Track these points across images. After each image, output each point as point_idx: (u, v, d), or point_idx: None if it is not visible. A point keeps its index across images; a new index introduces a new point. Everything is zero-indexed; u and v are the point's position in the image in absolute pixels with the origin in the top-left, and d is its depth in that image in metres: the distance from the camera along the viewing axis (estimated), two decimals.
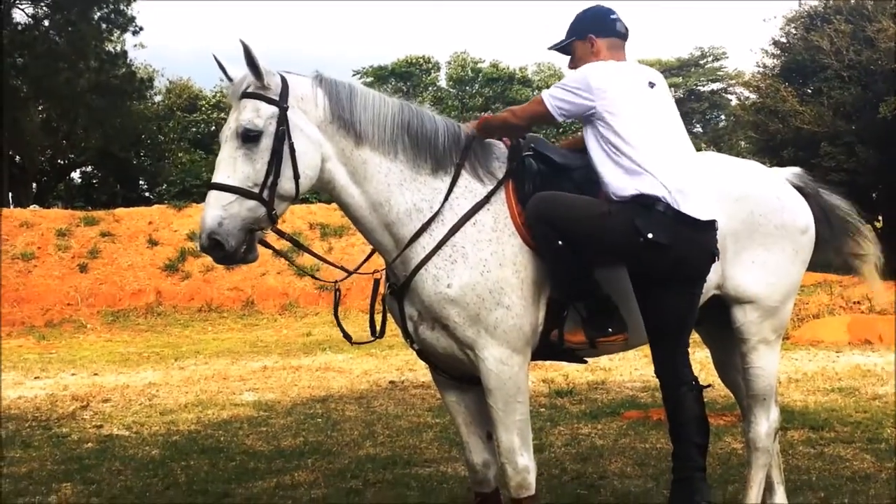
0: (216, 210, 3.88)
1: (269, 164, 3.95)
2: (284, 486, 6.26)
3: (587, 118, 4.15)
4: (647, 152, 4.05)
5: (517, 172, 4.34)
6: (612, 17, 4.45)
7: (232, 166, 3.95)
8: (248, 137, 3.95)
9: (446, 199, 4.23)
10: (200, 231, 3.91)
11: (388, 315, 4.51)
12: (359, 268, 4.53)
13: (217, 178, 3.95)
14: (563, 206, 4.11)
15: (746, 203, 4.64)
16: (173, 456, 7.22)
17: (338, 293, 4.50)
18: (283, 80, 4.08)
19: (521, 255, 4.19)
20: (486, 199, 4.25)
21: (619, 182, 4.05)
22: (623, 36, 4.45)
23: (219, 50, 4.27)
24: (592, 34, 4.40)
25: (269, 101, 4.01)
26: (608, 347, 4.41)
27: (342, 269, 4.55)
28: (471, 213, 4.21)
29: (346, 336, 4.54)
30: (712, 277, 4.48)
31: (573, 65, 4.46)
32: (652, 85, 4.27)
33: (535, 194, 4.19)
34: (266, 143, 3.96)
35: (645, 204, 4.00)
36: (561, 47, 4.53)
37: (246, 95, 4.02)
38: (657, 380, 4.32)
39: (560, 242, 4.05)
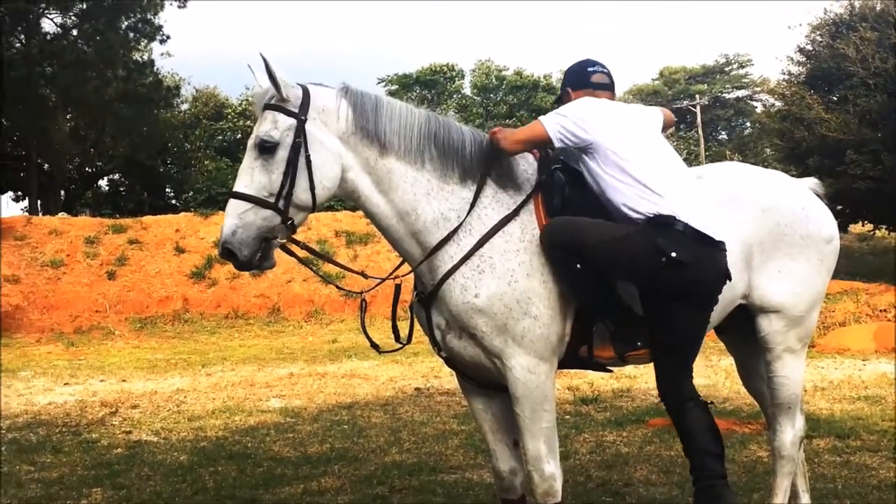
0: (232, 219, 3.98)
1: (284, 175, 4.02)
2: (311, 492, 6.32)
3: (585, 149, 4.21)
4: (655, 177, 4.10)
5: (546, 185, 4.38)
6: (590, 69, 4.60)
7: (249, 176, 4.04)
8: (265, 149, 4.03)
9: (472, 208, 4.28)
10: (220, 239, 4.04)
11: (415, 322, 4.56)
12: (389, 276, 4.57)
13: (235, 187, 4.05)
14: (579, 230, 4.13)
15: (773, 213, 4.68)
16: (201, 462, 7.29)
17: (364, 303, 4.57)
18: (305, 92, 4.14)
19: (549, 265, 4.22)
20: (516, 212, 4.29)
21: (634, 205, 4.10)
22: (598, 86, 4.55)
23: (248, 57, 4.32)
24: (569, 88, 4.60)
25: (288, 114, 4.07)
26: (637, 360, 4.43)
27: (363, 275, 4.60)
28: (500, 225, 4.24)
29: (374, 346, 4.59)
30: (739, 286, 4.52)
31: None
32: (641, 120, 4.37)
33: (550, 221, 4.23)
34: (282, 154, 4.03)
35: (664, 223, 4.03)
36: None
37: (267, 107, 4.10)
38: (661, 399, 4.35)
39: (578, 266, 4.10)
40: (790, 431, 4.88)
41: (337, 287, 4.99)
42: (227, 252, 3.99)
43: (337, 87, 4.27)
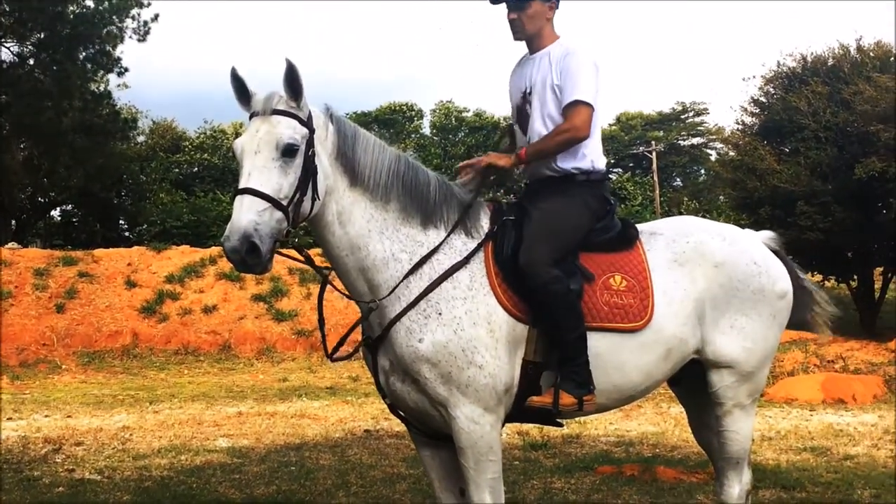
0: (251, 214, 3.82)
1: (299, 181, 3.97)
2: None
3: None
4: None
5: (498, 234, 4.40)
6: None
7: (266, 175, 3.92)
8: (287, 151, 3.96)
9: (433, 253, 4.27)
10: (231, 233, 3.80)
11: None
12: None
13: (251, 183, 3.89)
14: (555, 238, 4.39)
15: (725, 269, 4.72)
16: (145, 502, 7.19)
17: (325, 280, 4.44)
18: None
19: (496, 314, 4.23)
20: (466, 260, 4.30)
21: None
22: None
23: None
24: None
25: (302, 123, 4.04)
26: (587, 408, 4.41)
27: (346, 295, 4.47)
28: (450, 272, 4.25)
29: (321, 320, 4.49)
30: (691, 342, 4.58)
31: (529, 26, 4.63)
32: None
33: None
34: (299, 161, 3.99)
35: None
36: None
37: (279, 112, 4.02)
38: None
39: (571, 287, 4.22)
40: (737, 486, 4.91)
41: (313, 266, 4.75)
42: (252, 246, 3.79)
43: (322, 110, 4.25)
